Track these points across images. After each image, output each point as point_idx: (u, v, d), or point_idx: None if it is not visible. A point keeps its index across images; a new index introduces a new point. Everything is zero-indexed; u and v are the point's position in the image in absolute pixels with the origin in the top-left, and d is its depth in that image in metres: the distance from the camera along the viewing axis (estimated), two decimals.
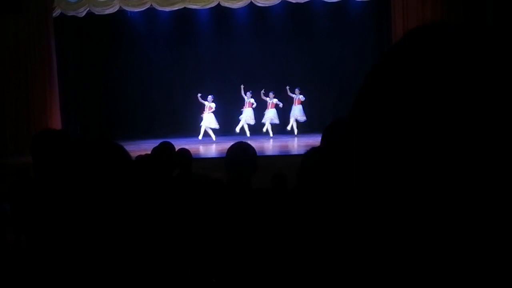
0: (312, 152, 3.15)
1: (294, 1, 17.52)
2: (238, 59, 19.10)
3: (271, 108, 17.68)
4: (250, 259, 3.65)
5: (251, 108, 17.71)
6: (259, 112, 17.86)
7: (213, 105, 17.29)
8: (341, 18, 18.62)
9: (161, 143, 5.72)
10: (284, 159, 12.30)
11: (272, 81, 18.27)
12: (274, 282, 3.40)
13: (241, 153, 4.19)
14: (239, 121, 17.95)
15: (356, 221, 0.68)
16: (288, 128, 17.88)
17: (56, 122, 16.35)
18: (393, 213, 0.64)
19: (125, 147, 2.13)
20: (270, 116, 17.70)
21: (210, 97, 17.27)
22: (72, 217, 1.91)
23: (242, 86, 17.76)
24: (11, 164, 12.17)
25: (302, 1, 17.51)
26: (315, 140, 14.58)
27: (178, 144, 7.09)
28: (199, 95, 17.35)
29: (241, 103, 17.99)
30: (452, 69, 0.63)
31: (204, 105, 17.38)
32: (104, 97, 19.36)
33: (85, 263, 1.87)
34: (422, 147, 0.62)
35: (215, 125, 17.38)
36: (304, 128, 17.59)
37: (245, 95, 17.73)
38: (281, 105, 17.55)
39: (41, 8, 16.40)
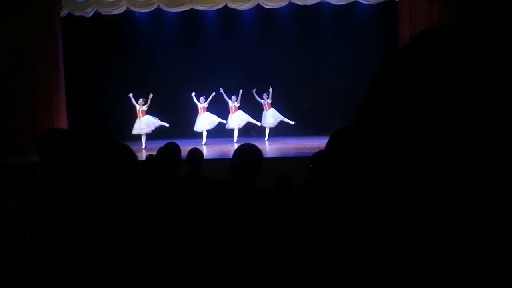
0: (321, 154, 3.15)
1: (301, 4, 17.53)
2: (245, 61, 19.11)
3: (234, 112, 17.19)
4: (254, 261, 3.65)
5: (207, 112, 17.05)
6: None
7: (144, 108, 16.55)
8: (348, 21, 18.61)
9: (166, 144, 5.72)
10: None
11: (279, 82, 18.25)
12: (278, 283, 3.40)
13: (248, 155, 4.19)
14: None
15: (355, 222, 0.68)
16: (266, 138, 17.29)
17: (62, 122, 16.39)
18: (393, 213, 0.64)
19: (131, 147, 2.13)
20: (235, 120, 17.20)
21: (141, 100, 16.62)
22: (77, 216, 1.91)
23: (193, 94, 17.03)
24: (17, 163, 12.20)
25: (309, 4, 17.52)
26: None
27: (183, 145, 7.09)
28: (130, 94, 16.70)
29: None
30: (459, 75, 0.62)
31: (135, 107, 16.72)
32: (110, 97, 19.39)
33: (89, 263, 1.87)
34: (427, 151, 0.62)
35: (147, 131, 16.61)
36: (311, 131, 17.56)
37: (198, 101, 17.01)
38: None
39: (48, 8, 16.45)
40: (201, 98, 17.08)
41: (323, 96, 18.59)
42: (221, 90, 17.09)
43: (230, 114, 17.18)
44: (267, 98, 17.22)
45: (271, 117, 17.26)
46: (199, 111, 17.13)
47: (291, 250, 3.03)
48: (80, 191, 1.92)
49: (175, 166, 5.39)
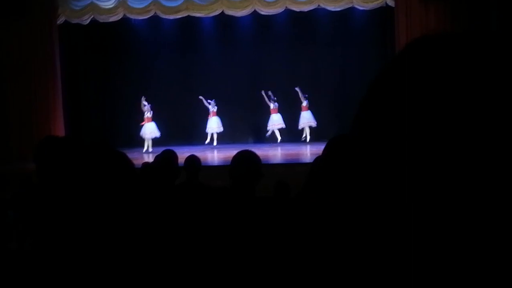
0: (319, 160, 3.14)
1: (297, 10, 17.56)
2: (242, 66, 19.13)
3: (213, 116, 17.67)
4: (252, 267, 3.64)
5: (217, 116, 17.64)
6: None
7: (149, 114, 17.10)
8: (345, 27, 18.65)
9: (163, 151, 5.71)
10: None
11: (275, 88, 18.27)
12: None
13: (245, 161, 4.19)
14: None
15: (354, 224, 0.68)
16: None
17: (60, 129, 16.40)
18: (390, 217, 0.64)
19: (128, 154, 2.14)
20: (213, 126, 17.69)
21: (147, 107, 17.15)
22: (74, 224, 1.91)
23: (201, 97, 17.62)
24: (15, 170, 12.19)
25: (306, 10, 17.55)
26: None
27: (181, 151, 7.09)
28: (143, 98, 17.20)
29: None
30: (455, 80, 0.63)
31: (143, 113, 17.21)
32: (107, 104, 19.39)
33: (86, 270, 1.87)
34: (424, 159, 0.62)
35: (149, 136, 17.08)
36: (310, 136, 17.65)
37: (209, 104, 17.59)
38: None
39: (45, 16, 16.47)
40: (211, 102, 17.49)
41: (320, 102, 18.57)
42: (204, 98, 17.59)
43: (270, 115, 17.74)
44: (305, 99, 17.65)
45: (308, 117, 17.72)
46: (210, 114, 17.56)
47: (288, 256, 3.03)
48: (76, 199, 1.92)
49: (172, 173, 5.38)
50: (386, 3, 16.79)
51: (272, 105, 17.67)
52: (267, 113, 17.87)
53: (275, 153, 16.17)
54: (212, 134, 17.69)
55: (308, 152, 15.96)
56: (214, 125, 17.61)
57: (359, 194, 0.68)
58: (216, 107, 17.59)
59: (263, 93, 17.66)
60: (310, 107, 17.83)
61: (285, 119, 17.80)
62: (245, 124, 19.00)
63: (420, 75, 0.65)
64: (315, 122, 17.75)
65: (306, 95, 17.69)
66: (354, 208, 0.69)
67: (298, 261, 2.62)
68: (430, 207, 0.62)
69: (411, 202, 0.63)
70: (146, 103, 17.09)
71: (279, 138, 17.72)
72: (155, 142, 17.13)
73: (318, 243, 2.30)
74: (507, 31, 0.66)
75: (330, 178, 2.54)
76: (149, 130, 17.07)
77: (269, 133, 17.87)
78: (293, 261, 2.74)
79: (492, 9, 14.63)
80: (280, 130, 17.83)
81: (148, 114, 17.07)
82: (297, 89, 17.68)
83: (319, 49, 18.93)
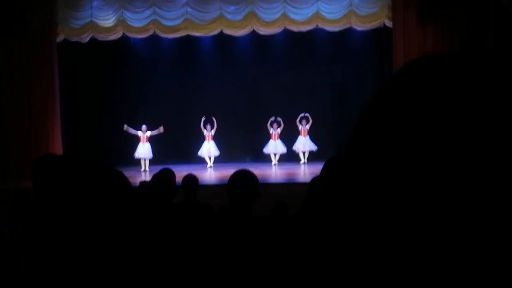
0: (316, 180, 3.15)
1: (296, 30, 17.64)
2: (240, 86, 19.17)
3: (275, 139, 17.76)
4: (249, 285, 3.63)
5: (212, 142, 17.69)
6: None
7: (148, 134, 17.35)
8: (343, 47, 18.73)
9: (161, 170, 5.70)
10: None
11: (274, 108, 18.30)
12: None
13: (243, 180, 4.20)
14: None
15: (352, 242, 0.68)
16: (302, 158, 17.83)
17: (58, 144, 16.39)
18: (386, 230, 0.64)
19: (125, 173, 2.13)
20: (275, 147, 17.74)
21: (144, 127, 17.37)
22: (71, 240, 1.90)
23: (203, 119, 17.71)
24: (12, 188, 12.15)
25: (304, 30, 17.63)
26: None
27: (179, 170, 7.08)
28: (125, 127, 17.48)
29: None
30: (451, 101, 0.63)
31: (138, 134, 17.47)
32: (105, 122, 19.40)
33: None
34: (421, 178, 0.62)
35: (149, 156, 17.32)
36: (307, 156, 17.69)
37: (205, 128, 17.64)
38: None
39: (44, 34, 16.52)
40: (208, 126, 17.53)
41: (318, 122, 18.60)
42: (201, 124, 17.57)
43: (270, 140, 17.78)
44: (306, 124, 17.71)
45: (307, 143, 17.80)
46: (206, 138, 17.56)
47: (287, 275, 3.01)
48: (73, 218, 1.91)
49: (170, 192, 5.37)
50: (384, 23, 16.88)
51: (279, 131, 17.69)
52: (266, 133, 17.86)
53: (272, 173, 16.16)
54: (209, 157, 17.68)
55: (306, 171, 15.95)
56: (212, 149, 17.58)
57: (357, 212, 0.68)
58: (213, 131, 17.59)
59: (279, 119, 17.73)
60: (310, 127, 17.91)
61: (282, 138, 17.86)
62: (242, 143, 19.00)
63: (417, 95, 0.65)
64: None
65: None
66: (353, 226, 0.69)
67: (297, 279, 2.61)
68: (427, 223, 0.62)
69: (408, 218, 0.63)
70: (139, 130, 17.35)
71: (274, 162, 17.74)
72: (152, 160, 17.17)
73: (318, 261, 2.29)
74: (504, 53, 0.66)
75: (329, 197, 2.54)
76: (141, 150, 17.25)
77: (269, 152, 17.87)
78: (292, 280, 2.73)
79: (489, 30, 14.71)
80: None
81: (142, 134, 17.24)
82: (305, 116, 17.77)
83: (317, 69, 19.00)
